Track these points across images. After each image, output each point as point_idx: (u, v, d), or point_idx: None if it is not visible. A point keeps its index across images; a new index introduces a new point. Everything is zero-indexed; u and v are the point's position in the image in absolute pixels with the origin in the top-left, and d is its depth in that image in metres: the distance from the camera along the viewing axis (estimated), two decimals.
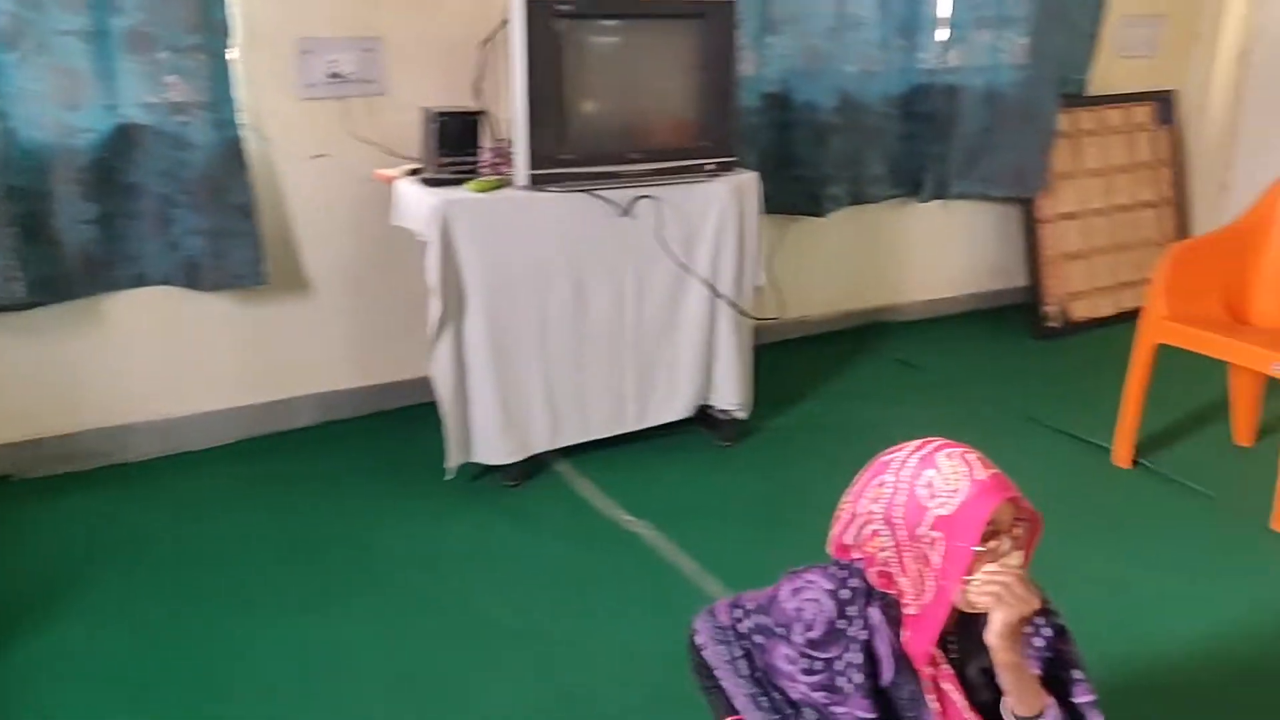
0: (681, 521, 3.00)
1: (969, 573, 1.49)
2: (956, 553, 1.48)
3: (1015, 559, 1.51)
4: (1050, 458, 3.45)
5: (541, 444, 3.18)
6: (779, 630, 1.65)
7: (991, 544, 1.49)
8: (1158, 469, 3.39)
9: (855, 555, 1.61)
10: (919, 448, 1.56)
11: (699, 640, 1.77)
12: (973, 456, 1.54)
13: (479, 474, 3.18)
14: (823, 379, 3.99)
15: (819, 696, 1.59)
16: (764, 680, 1.70)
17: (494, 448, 3.09)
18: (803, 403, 3.80)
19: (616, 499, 3.11)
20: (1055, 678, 1.60)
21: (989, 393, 3.93)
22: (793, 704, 1.67)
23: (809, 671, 1.60)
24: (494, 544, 2.90)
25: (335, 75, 3.22)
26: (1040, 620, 1.61)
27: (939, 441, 1.57)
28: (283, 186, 3.26)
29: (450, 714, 2.26)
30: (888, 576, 1.57)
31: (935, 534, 1.50)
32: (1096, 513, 3.14)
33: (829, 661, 1.59)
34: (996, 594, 1.48)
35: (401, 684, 2.34)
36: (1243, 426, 3.53)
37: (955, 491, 1.49)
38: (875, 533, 1.56)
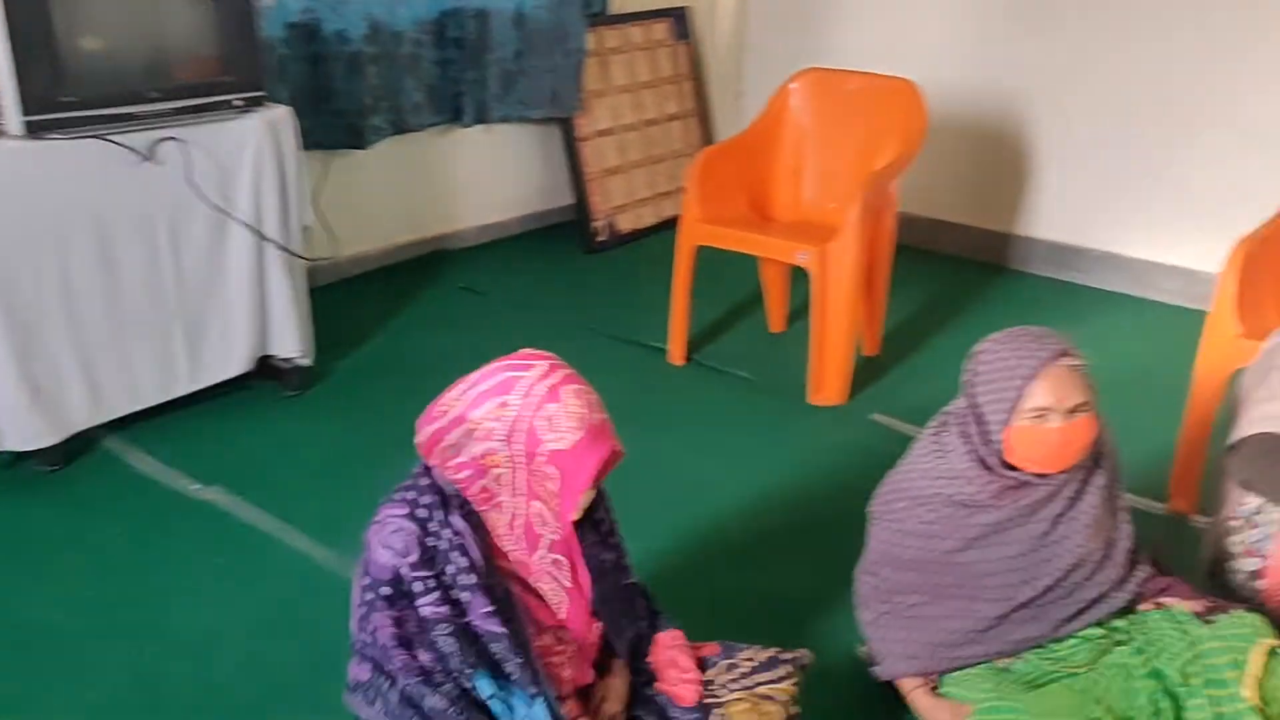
0: (256, 481, 2.84)
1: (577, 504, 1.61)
2: (570, 489, 1.60)
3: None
4: (613, 363, 3.62)
5: (82, 421, 2.88)
6: (383, 591, 1.61)
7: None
8: (708, 362, 3.65)
9: (452, 460, 1.62)
10: (547, 374, 1.62)
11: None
12: (594, 398, 1.63)
13: (10, 462, 2.83)
14: (389, 314, 3.92)
15: (444, 612, 1.60)
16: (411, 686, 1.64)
17: (23, 432, 2.76)
18: (371, 341, 3.71)
19: (181, 468, 2.89)
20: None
21: (551, 309, 4.04)
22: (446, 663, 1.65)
23: (427, 591, 1.60)
24: (35, 538, 2.60)
25: None
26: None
27: (565, 373, 1.64)
28: None
29: None
30: (490, 491, 1.60)
31: (550, 469, 1.59)
32: (659, 407, 3.34)
33: (438, 576, 1.60)
34: None
35: None
36: (776, 315, 3.87)
37: (573, 430, 1.58)
38: (491, 450, 1.58)
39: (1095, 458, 2.06)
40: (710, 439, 3.18)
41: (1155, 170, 4.13)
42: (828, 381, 3.35)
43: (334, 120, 3.84)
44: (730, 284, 4.12)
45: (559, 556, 1.66)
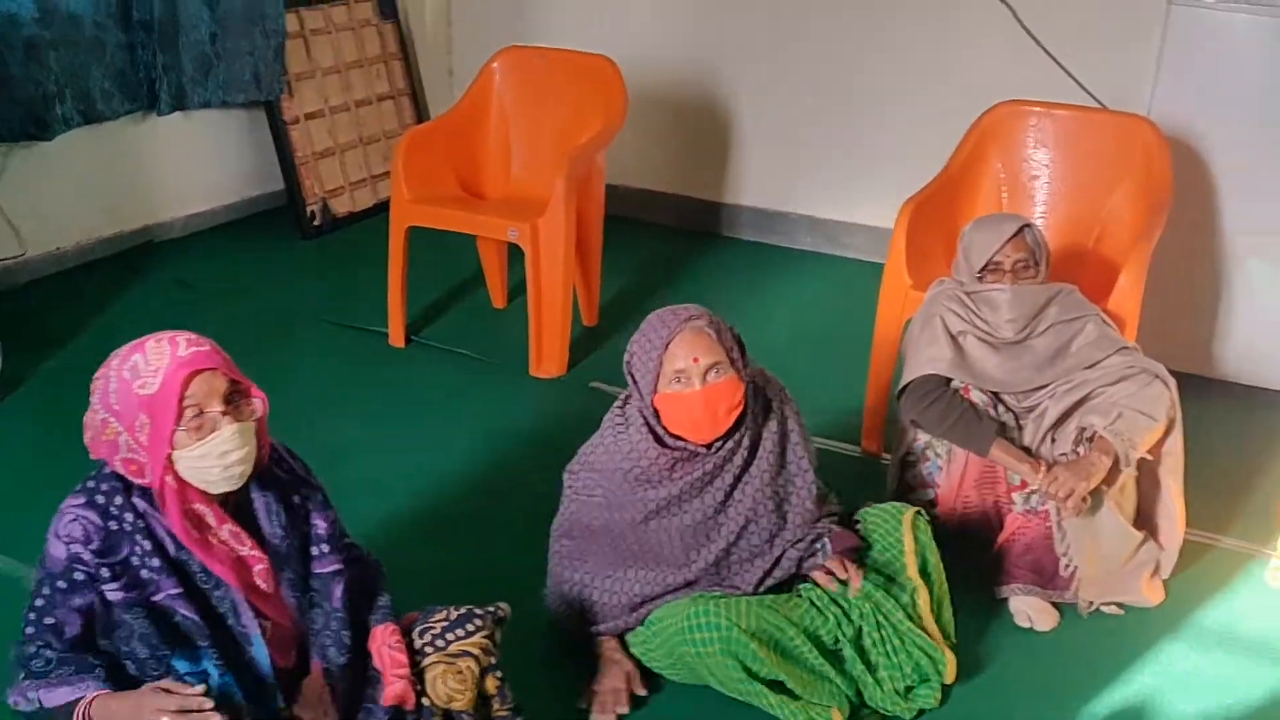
0: None
1: (173, 446, 1.57)
2: (159, 427, 1.56)
3: (228, 430, 1.59)
4: (331, 349, 3.58)
5: None
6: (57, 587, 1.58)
7: (195, 421, 1.58)
8: (430, 342, 3.66)
9: (92, 443, 1.63)
10: (138, 341, 1.61)
11: None
12: (182, 338, 1.61)
13: None
14: (93, 313, 3.72)
15: (133, 595, 1.59)
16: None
17: None
18: (73, 342, 3.51)
19: None
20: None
21: (266, 298, 3.95)
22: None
23: (114, 579, 1.59)
24: None
25: None
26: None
27: (161, 333, 1.63)
28: None
29: None
30: (131, 462, 1.58)
31: (144, 417, 1.57)
32: (379, 391, 3.35)
33: (125, 560, 1.60)
34: None
35: None
36: (497, 291, 3.93)
37: (156, 370, 1.57)
38: (105, 422, 1.57)
39: (764, 418, 2.18)
40: (432, 418, 3.21)
41: (842, 137, 4.42)
42: (547, 354, 3.43)
43: (13, 110, 3.60)
44: (452, 263, 4.14)
45: (232, 527, 1.66)
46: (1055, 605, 2.44)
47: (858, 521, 2.31)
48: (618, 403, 2.22)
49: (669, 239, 4.68)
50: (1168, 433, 2.47)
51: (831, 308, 4.05)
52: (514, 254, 3.67)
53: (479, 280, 3.98)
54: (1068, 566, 2.41)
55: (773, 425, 2.19)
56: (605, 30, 4.54)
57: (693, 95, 4.63)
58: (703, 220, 4.78)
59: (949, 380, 2.49)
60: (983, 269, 2.55)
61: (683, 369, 2.04)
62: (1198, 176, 3.29)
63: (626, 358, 2.14)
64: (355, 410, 3.23)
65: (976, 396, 2.47)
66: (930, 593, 2.20)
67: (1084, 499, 2.32)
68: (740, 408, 2.09)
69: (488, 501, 2.83)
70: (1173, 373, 2.48)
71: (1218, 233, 3.33)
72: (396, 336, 3.62)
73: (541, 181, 3.56)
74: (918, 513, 2.27)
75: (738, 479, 2.15)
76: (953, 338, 2.53)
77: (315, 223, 4.53)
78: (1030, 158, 3.18)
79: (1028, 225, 2.59)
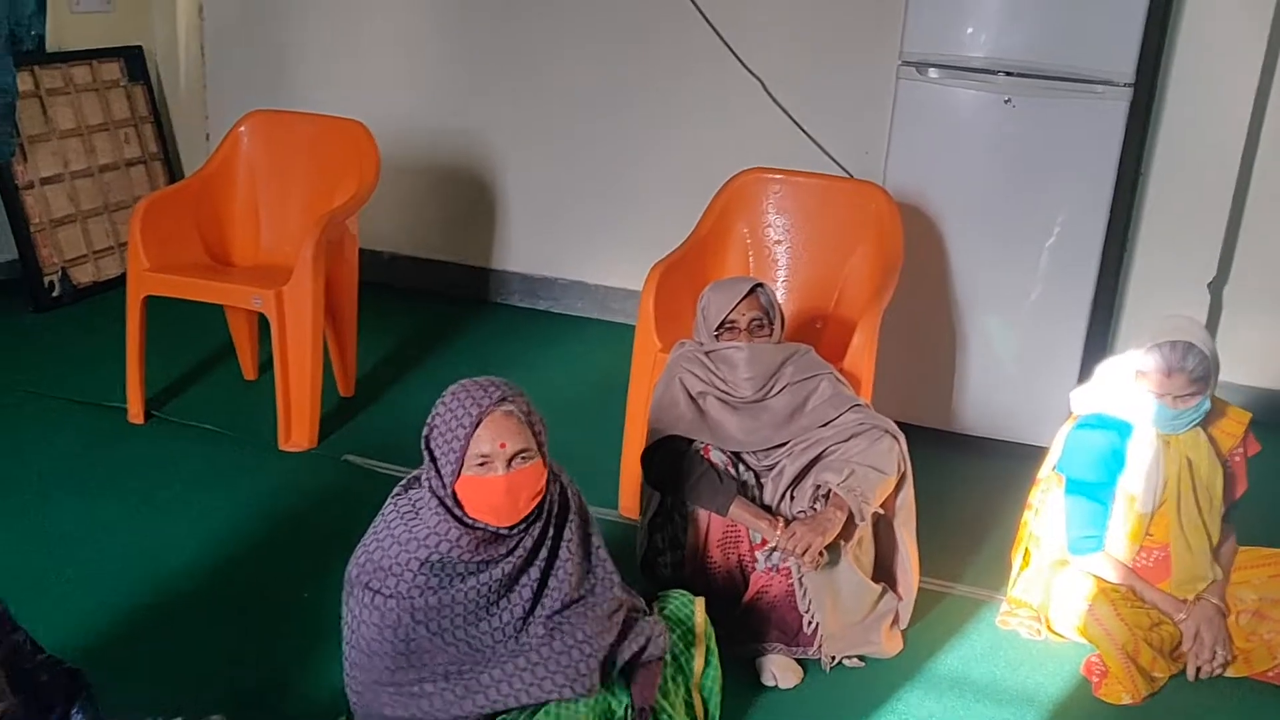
0: None
1: None
2: None
3: None
4: (65, 428, 3.36)
5: None
6: None
7: None
8: (172, 417, 3.47)
9: None
10: None
11: None
12: None
13: None
14: None
15: None
16: None
17: None
18: None
19: None
20: None
21: None
22: None
23: None
24: None
25: None
26: None
27: None
28: None
29: None
30: None
31: None
32: (113, 470, 3.15)
33: None
34: None
35: None
36: (247, 363, 3.77)
37: None
38: None
39: (564, 509, 2.07)
40: (170, 498, 3.03)
41: (605, 202, 4.48)
42: (296, 426, 3.30)
43: None
44: (204, 334, 3.96)
45: None
46: (799, 662, 2.47)
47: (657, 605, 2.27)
48: (396, 491, 2.06)
49: (435, 306, 4.61)
50: (900, 486, 2.55)
51: (599, 372, 4.06)
52: (266, 323, 3.53)
53: (231, 351, 3.82)
54: (810, 623, 2.44)
55: (572, 513, 2.10)
56: (365, 95, 4.48)
57: (456, 160, 4.61)
58: (470, 287, 4.74)
59: (690, 441, 2.52)
60: (719, 328, 2.61)
61: (488, 454, 1.93)
62: (931, 240, 3.46)
63: (426, 432, 1.99)
64: (85, 492, 3.03)
65: (716, 457, 2.50)
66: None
67: (821, 553, 2.37)
68: (542, 494, 2.01)
69: (227, 585, 2.67)
70: (911, 427, 2.58)
71: (950, 293, 3.51)
72: (135, 412, 3.41)
73: (291, 248, 3.45)
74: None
75: (547, 566, 2.03)
76: (693, 399, 2.56)
77: (54, 294, 4.27)
78: (773, 223, 3.29)
79: (760, 285, 2.65)
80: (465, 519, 1.95)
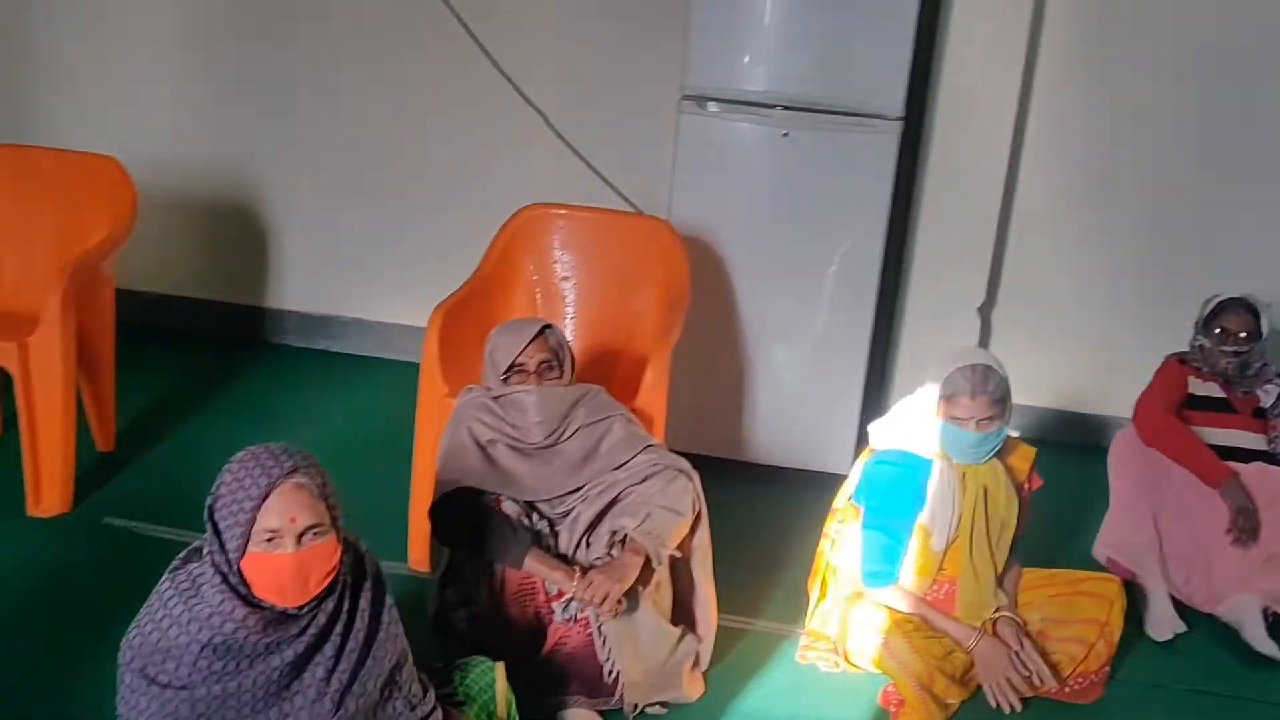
0: None
1: None
2: None
3: None
4: None
5: None
6: None
7: None
8: None
9: None
10: None
11: None
12: None
13: None
14: None
15: None
16: None
17: None
18: None
19: None
20: None
21: None
22: None
23: None
24: None
25: None
26: None
27: None
28: None
29: None
30: None
31: None
32: None
33: None
34: None
35: None
36: None
37: None
38: None
39: (358, 579, 1.93)
40: None
41: (385, 238, 4.32)
42: (47, 489, 3.02)
43: None
44: None
45: None
46: (601, 713, 2.40)
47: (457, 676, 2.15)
48: (174, 564, 1.86)
49: (204, 349, 4.33)
50: (696, 526, 2.53)
51: (384, 415, 3.88)
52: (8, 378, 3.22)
53: None
54: (610, 672, 2.37)
55: (366, 586, 1.94)
56: (123, 128, 4.19)
57: (223, 194, 4.35)
58: (243, 327, 4.48)
59: (481, 493, 2.42)
60: (507, 371, 2.52)
61: (277, 529, 1.76)
62: (717, 273, 3.48)
63: (209, 502, 1.80)
64: None
65: (509, 507, 2.41)
66: None
67: (620, 601, 2.31)
68: (335, 572, 1.84)
69: None
70: (705, 458, 2.56)
71: (738, 324, 3.53)
72: None
73: (37, 295, 3.15)
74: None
75: (341, 643, 1.88)
76: (482, 448, 2.47)
77: None
78: (560, 259, 3.23)
79: (549, 326, 2.59)
80: (252, 598, 1.79)
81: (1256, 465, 3.00)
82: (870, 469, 2.62)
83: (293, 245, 4.41)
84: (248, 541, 1.77)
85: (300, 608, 1.82)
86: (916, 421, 2.59)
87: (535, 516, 2.45)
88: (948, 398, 2.53)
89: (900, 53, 3.30)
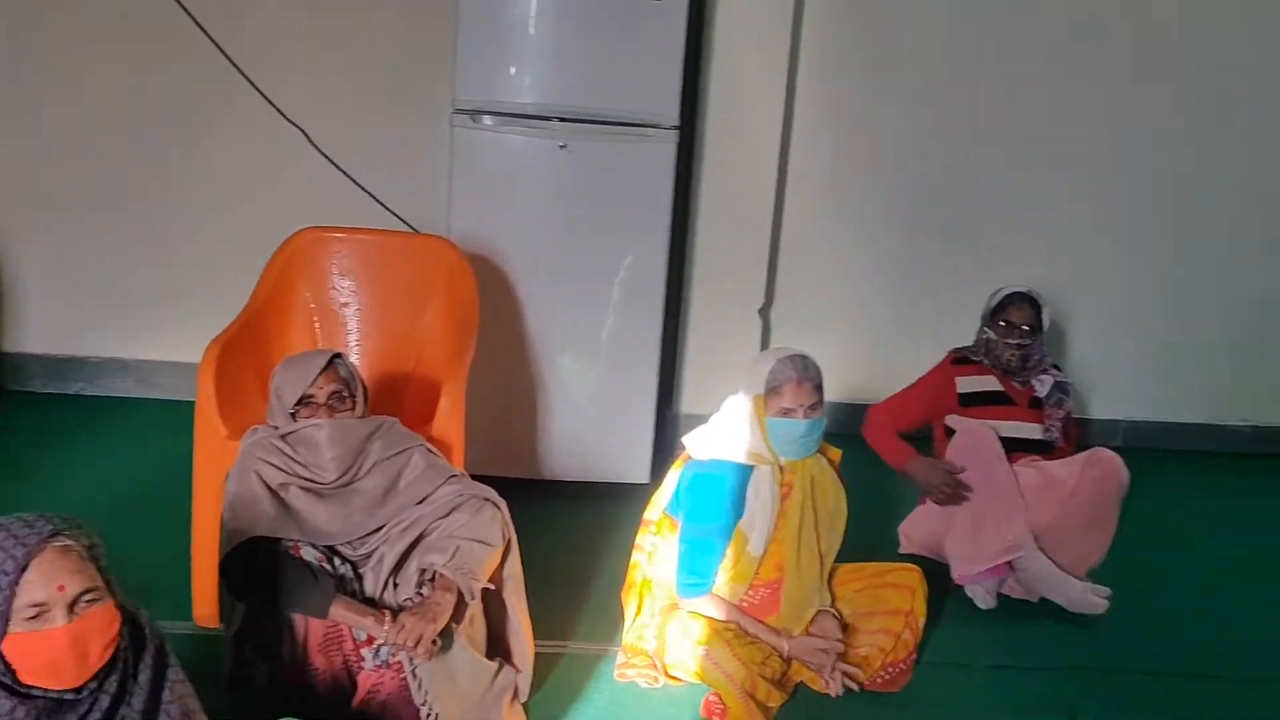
0: None
1: None
2: None
3: None
4: None
5: None
6: None
7: None
8: None
9: None
10: None
11: None
12: None
13: None
14: None
15: None
16: None
17: None
18: None
19: None
20: None
21: None
22: None
23: None
24: None
25: None
26: None
27: None
28: None
29: None
30: None
31: None
32: None
33: None
34: None
35: None
36: None
37: None
38: None
39: (138, 649, 1.74)
40: None
41: (142, 270, 4.03)
42: None
43: None
44: None
45: None
46: None
47: None
48: None
49: None
50: (506, 554, 2.45)
51: (154, 461, 3.59)
52: None
53: None
54: (429, 715, 2.27)
55: (147, 659, 1.75)
56: None
57: None
58: None
59: (277, 540, 2.26)
60: (296, 405, 2.37)
61: (44, 601, 1.56)
62: (504, 289, 3.40)
63: None
64: None
65: (308, 553, 2.26)
66: None
67: (434, 641, 2.21)
68: (116, 642, 1.65)
69: None
70: (504, 479, 2.48)
71: (528, 340, 3.47)
72: None
73: None
74: None
75: None
76: (273, 492, 2.31)
77: None
78: (338, 285, 3.08)
79: (338, 356, 2.46)
80: (18, 687, 1.59)
81: (1028, 463, 3.14)
82: (687, 478, 2.61)
83: (33, 284, 4.05)
84: (7, 623, 1.57)
85: (79, 689, 1.63)
86: (732, 429, 2.60)
87: (337, 561, 2.31)
88: (774, 390, 2.56)
89: (671, 61, 3.32)
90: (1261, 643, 3.06)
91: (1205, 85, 4.16)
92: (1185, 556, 3.57)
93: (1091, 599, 3.03)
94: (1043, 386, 3.25)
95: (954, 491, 3.02)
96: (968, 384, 3.25)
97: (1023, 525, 2.99)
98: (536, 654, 2.55)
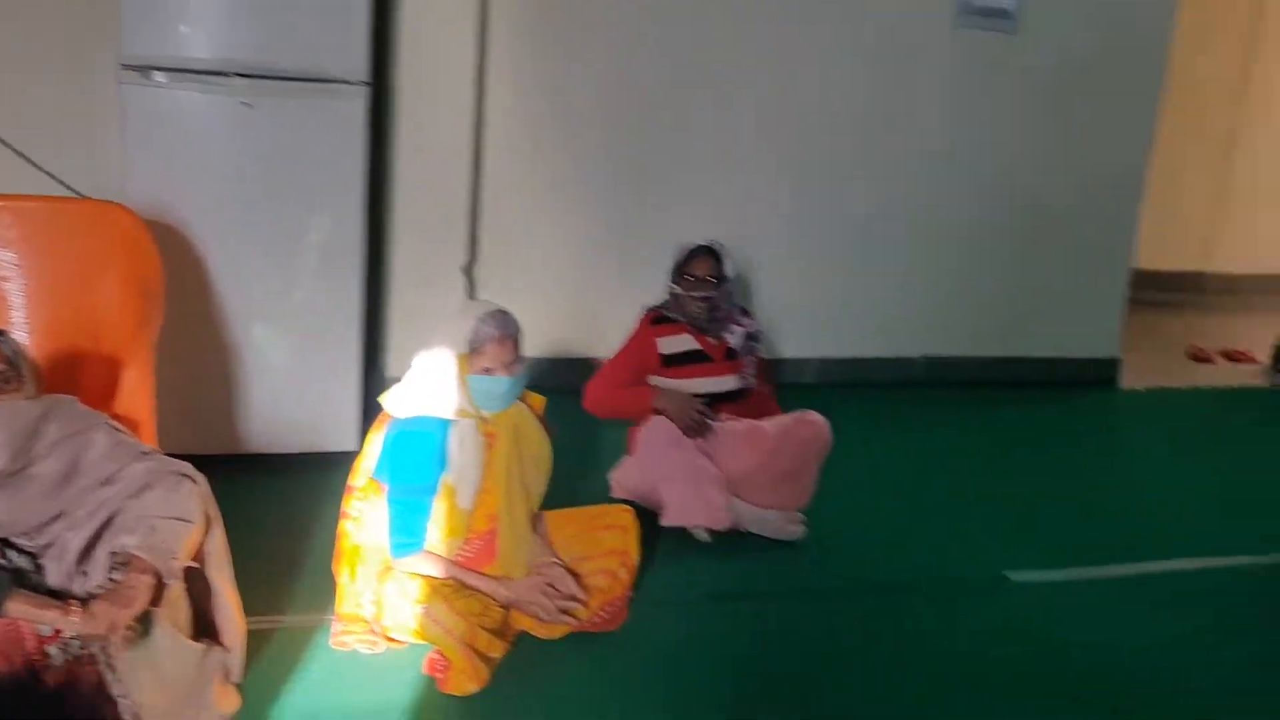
0: None
1: None
2: None
3: None
4: None
5: None
6: None
7: None
8: None
9: None
10: None
11: None
12: None
13: None
14: None
15: None
16: None
17: None
18: None
19: None
20: None
21: None
22: None
23: None
24: None
25: None
26: None
27: None
28: None
29: None
30: None
31: None
32: None
33: None
34: None
35: None
36: None
37: None
38: None
39: None
40: None
41: None
42: None
43: None
44: None
45: None
46: None
47: None
48: None
49: None
50: (209, 530, 2.33)
51: None
52: None
53: None
54: (128, 707, 2.13)
55: None
56: None
57: None
58: None
59: None
60: None
61: None
62: (189, 255, 3.22)
63: None
64: None
65: None
66: None
67: (131, 628, 2.08)
68: None
69: None
70: (203, 457, 2.35)
71: (218, 309, 3.30)
72: None
73: None
74: None
75: None
76: None
77: None
78: None
79: (2, 334, 2.25)
80: None
81: (737, 421, 3.28)
82: (389, 438, 2.56)
83: None
84: None
85: None
86: (431, 386, 2.57)
87: (14, 554, 2.12)
88: (476, 349, 2.55)
89: (357, 14, 3.22)
90: (942, 552, 3.35)
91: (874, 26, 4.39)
92: (874, 481, 3.85)
93: (789, 527, 3.22)
94: (735, 338, 3.38)
95: (702, 420, 3.16)
96: (668, 344, 3.33)
97: (722, 496, 3.15)
98: (249, 631, 2.45)
